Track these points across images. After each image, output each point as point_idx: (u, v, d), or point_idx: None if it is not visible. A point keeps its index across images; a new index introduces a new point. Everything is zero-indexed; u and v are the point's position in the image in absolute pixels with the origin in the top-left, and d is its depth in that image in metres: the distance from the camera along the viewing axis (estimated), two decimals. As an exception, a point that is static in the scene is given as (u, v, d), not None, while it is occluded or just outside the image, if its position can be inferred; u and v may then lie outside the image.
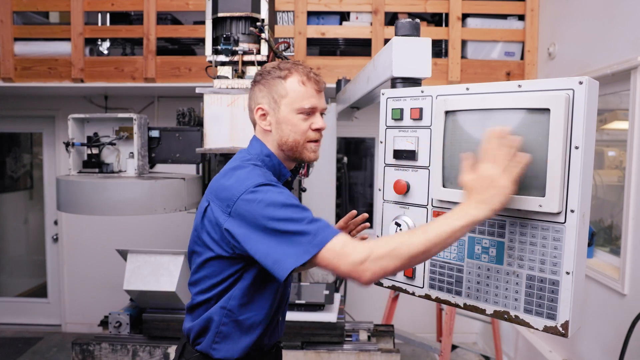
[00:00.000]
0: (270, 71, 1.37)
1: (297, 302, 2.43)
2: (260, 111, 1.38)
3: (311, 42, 4.01)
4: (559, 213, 1.06)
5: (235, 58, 2.28)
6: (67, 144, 2.59)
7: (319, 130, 1.37)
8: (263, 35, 2.27)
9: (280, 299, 1.45)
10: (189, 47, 4.15)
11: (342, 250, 1.14)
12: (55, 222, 4.88)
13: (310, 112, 1.35)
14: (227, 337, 1.38)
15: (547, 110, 1.05)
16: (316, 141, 1.38)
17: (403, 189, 1.36)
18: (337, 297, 2.65)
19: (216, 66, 2.35)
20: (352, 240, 1.16)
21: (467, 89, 1.22)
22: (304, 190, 2.81)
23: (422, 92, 1.32)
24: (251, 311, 1.37)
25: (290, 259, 1.17)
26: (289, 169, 1.43)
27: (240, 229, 1.23)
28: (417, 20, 1.47)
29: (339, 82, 3.23)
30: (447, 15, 3.89)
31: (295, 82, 1.34)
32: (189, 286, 1.47)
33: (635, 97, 2.52)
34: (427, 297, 1.34)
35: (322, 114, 1.39)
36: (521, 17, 3.89)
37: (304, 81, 1.34)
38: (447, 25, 3.89)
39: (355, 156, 4.90)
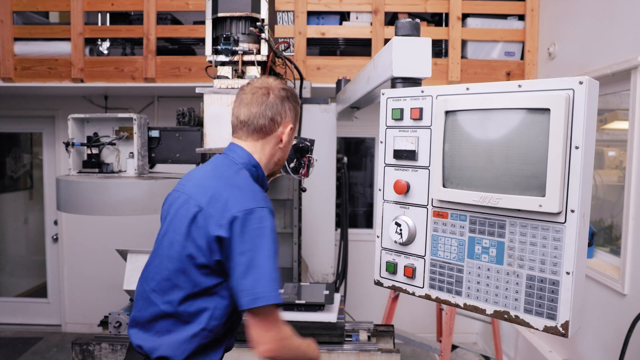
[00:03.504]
0: (296, 95, 1.50)
1: (297, 302, 2.42)
2: (290, 129, 1.47)
3: (311, 42, 4.01)
4: (559, 213, 1.06)
5: (235, 58, 2.28)
6: (67, 144, 2.58)
7: None
8: (263, 35, 2.27)
9: None
10: (189, 47, 4.15)
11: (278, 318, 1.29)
12: (55, 222, 4.88)
13: None
14: (200, 353, 1.37)
15: (547, 110, 1.05)
16: None
17: (403, 189, 1.36)
18: (337, 297, 2.65)
19: (216, 66, 2.35)
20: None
21: (467, 89, 1.22)
22: (304, 190, 2.81)
23: (422, 92, 1.32)
24: (230, 327, 1.41)
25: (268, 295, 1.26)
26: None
27: (231, 242, 1.26)
28: (417, 20, 1.47)
29: (339, 82, 3.23)
30: (447, 15, 3.89)
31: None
32: (151, 292, 1.38)
33: (635, 97, 2.52)
34: (427, 297, 1.34)
35: None
36: (521, 17, 3.89)
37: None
38: (447, 25, 3.88)
39: (355, 156, 4.90)
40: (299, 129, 3.01)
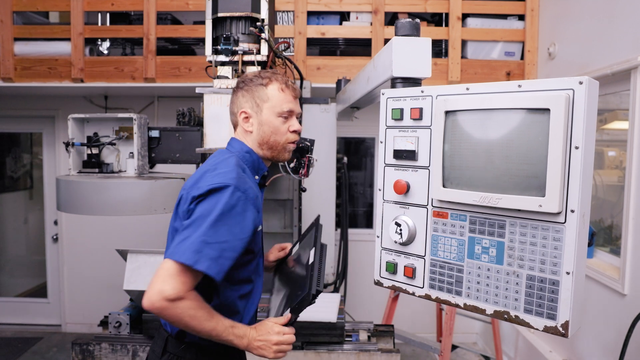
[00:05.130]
0: (252, 79, 1.52)
1: (297, 302, 2.42)
2: (243, 114, 1.52)
3: (311, 42, 4.01)
4: (559, 213, 1.06)
5: (235, 58, 2.28)
6: (67, 144, 2.59)
7: (295, 132, 1.53)
8: (263, 35, 2.27)
9: None
10: (189, 47, 4.15)
11: (168, 277, 1.24)
12: (55, 222, 4.88)
13: (288, 116, 1.51)
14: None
15: (547, 110, 1.05)
16: (293, 142, 1.55)
17: (403, 189, 1.36)
18: (337, 297, 2.65)
19: (216, 66, 2.35)
20: (187, 290, 1.25)
21: (467, 89, 1.22)
22: (304, 190, 2.81)
23: (422, 92, 1.32)
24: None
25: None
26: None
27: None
28: (417, 20, 1.47)
29: (339, 82, 3.23)
30: (447, 15, 3.89)
31: (275, 89, 1.50)
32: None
33: (635, 97, 2.52)
34: (427, 297, 1.34)
35: (298, 118, 1.55)
36: (521, 17, 3.89)
37: (282, 88, 1.51)
38: (447, 25, 3.88)
39: (355, 156, 4.90)
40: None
